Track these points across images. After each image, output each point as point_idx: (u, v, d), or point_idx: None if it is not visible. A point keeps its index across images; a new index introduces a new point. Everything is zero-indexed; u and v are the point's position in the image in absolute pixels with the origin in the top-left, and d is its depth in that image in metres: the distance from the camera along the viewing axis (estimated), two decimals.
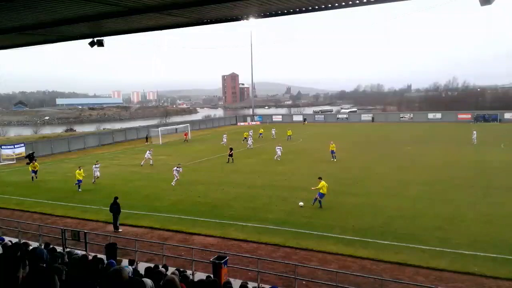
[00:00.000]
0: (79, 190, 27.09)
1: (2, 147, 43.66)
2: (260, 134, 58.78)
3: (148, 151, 37.94)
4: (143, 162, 37.10)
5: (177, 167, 28.32)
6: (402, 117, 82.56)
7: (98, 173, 29.75)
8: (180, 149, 48.80)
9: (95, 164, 30.11)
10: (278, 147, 38.33)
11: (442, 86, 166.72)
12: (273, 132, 59.10)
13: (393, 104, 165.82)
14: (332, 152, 36.40)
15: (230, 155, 36.90)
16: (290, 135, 54.96)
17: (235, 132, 66.53)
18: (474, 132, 45.82)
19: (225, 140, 51.21)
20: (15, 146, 44.56)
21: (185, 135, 58.64)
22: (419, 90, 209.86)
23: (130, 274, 6.85)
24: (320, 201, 21.20)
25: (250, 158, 39.78)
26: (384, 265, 14.30)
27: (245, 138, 52.54)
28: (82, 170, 27.55)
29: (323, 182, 21.35)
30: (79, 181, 27.23)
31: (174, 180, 27.88)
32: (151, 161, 36.98)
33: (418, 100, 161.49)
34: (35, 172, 31.24)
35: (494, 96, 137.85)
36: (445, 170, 30.19)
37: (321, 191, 21.15)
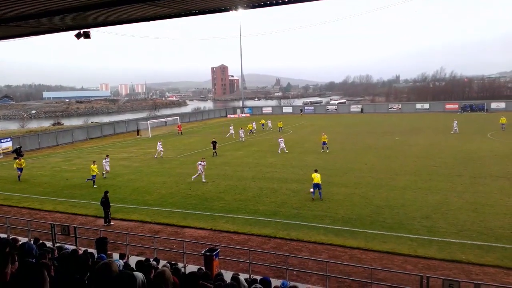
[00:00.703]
0: (94, 186, 25.93)
1: None
2: (263, 125, 58.49)
3: (159, 143, 37.64)
4: (156, 154, 36.97)
5: (201, 161, 26.86)
6: (390, 108, 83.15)
7: (108, 167, 29.18)
8: (169, 142, 48.50)
9: (105, 159, 29.59)
10: (280, 139, 37.78)
11: (430, 76, 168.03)
12: (269, 124, 58.98)
13: (382, 95, 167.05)
14: (324, 143, 36.60)
15: (214, 148, 36.50)
16: (281, 127, 55.03)
17: (229, 124, 66.25)
18: (455, 121, 46.82)
19: (233, 131, 49.78)
20: (2, 140, 43.81)
21: (178, 127, 58.18)
22: (407, 80, 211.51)
23: (120, 268, 6.84)
24: (313, 192, 21.34)
25: (239, 150, 39.75)
26: (373, 254, 14.49)
27: (251, 130, 52.48)
28: (96, 164, 26.85)
29: (314, 174, 21.58)
30: (93, 176, 26.36)
31: (203, 175, 26.33)
32: (161, 153, 36.88)
33: (406, 90, 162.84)
34: (21, 170, 29.50)
35: (480, 86, 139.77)
36: (433, 160, 30.56)
37: (314, 181, 21.31)
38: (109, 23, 13.29)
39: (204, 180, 26.19)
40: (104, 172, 28.87)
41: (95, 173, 26.45)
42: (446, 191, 22.05)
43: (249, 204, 21.05)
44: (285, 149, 36.77)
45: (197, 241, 15.67)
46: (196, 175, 26.64)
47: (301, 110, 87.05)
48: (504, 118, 47.84)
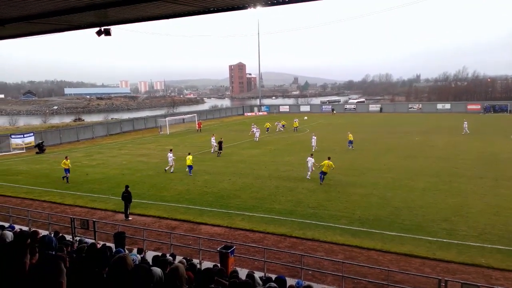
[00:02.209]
0: (190, 174, 27.89)
1: (12, 136, 44.17)
2: (295, 127, 55.31)
3: (212, 137, 38.53)
4: (213, 149, 37.74)
5: (310, 157, 26.39)
6: (410, 108, 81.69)
7: (173, 162, 29.35)
8: (187, 139, 48.91)
9: (169, 152, 29.91)
10: (314, 136, 37.24)
11: (451, 76, 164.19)
12: (297, 122, 57.56)
13: (402, 94, 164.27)
14: (350, 142, 37.22)
15: (220, 148, 35.81)
16: (296, 127, 54.50)
17: (244, 122, 66.26)
18: (465, 122, 46.41)
19: (256, 134, 46.31)
20: (25, 135, 45.05)
21: (198, 124, 58.53)
22: (428, 80, 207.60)
23: (137, 262, 6.91)
24: (321, 177, 24.01)
25: (256, 148, 39.76)
26: (390, 256, 14.29)
27: (267, 128, 52.53)
28: (191, 155, 28.47)
29: (325, 161, 23.88)
30: (190, 167, 28.10)
31: (309, 172, 25.90)
32: (212, 149, 37.72)
33: (427, 90, 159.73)
34: (67, 170, 27.04)
35: (504, 87, 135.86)
36: (454, 161, 29.92)
37: (323, 169, 23.74)
38: (129, 20, 13.43)
39: (308, 177, 25.77)
40: (168, 167, 29.43)
41: (191, 163, 28.06)
42: (467, 193, 21.57)
43: (265, 203, 21.04)
44: (315, 146, 36.48)
45: (213, 238, 15.73)
46: (309, 172, 26.00)
47: (333, 110, 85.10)
48: None
